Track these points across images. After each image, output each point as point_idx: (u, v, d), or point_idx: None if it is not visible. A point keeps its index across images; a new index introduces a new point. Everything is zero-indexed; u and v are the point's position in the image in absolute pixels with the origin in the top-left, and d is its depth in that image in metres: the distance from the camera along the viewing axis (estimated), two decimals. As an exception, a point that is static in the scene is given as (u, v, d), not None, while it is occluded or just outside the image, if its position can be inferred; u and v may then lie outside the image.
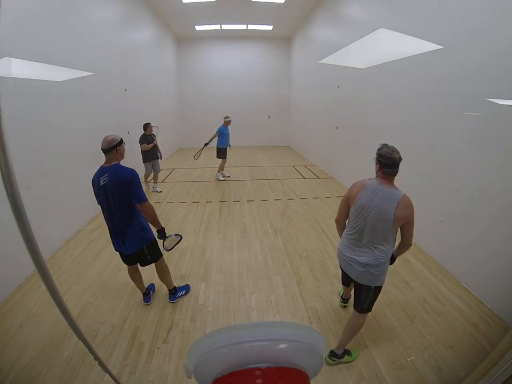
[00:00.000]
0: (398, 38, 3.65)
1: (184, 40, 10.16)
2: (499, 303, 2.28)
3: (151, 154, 5.32)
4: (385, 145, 1.68)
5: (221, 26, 9.21)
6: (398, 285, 2.67)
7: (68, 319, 0.81)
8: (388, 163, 1.63)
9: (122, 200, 1.97)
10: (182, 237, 2.30)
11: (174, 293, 2.48)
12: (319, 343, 0.32)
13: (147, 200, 2.02)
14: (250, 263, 3.09)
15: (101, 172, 1.99)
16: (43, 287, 0.84)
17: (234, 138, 10.64)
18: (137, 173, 2.01)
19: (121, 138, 2.06)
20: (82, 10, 4.03)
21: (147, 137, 5.20)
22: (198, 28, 9.14)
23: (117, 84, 5.26)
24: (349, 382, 1.78)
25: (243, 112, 10.75)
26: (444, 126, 2.94)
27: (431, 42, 2.99)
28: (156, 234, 2.21)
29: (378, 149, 1.69)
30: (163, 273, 2.38)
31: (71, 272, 2.92)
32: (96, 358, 0.98)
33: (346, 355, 1.90)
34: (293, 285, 2.71)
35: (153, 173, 5.48)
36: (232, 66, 10.64)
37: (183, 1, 6.90)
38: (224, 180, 6.32)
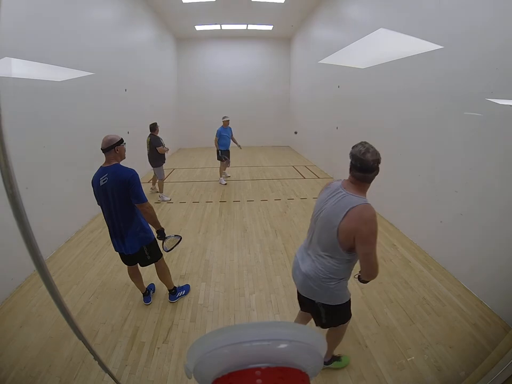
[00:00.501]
0: (398, 38, 3.65)
1: (184, 40, 10.16)
2: (499, 303, 2.28)
3: (163, 158, 4.96)
4: (361, 143, 1.40)
5: (221, 26, 9.21)
6: (398, 285, 2.67)
7: (68, 319, 0.81)
8: (356, 165, 1.35)
9: (122, 200, 1.96)
10: (181, 238, 2.28)
11: (174, 293, 2.48)
12: (318, 343, 0.32)
13: (147, 200, 2.01)
14: (250, 263, 3.08)
15: (101, 172, 1.98)
16: (43, 287, 0.84)
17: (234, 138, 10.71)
18: (137, 173, 2.00)
19: (121, 138, 2.05)
20: (82, 10, 4.04)
21: (160, 139, 4.86)
22: (198, 27, 9.14)
23: (117, 84, 5.27)
24: (349, 382, 1.78)
25: (243, 112, 10.75)
26: (444, 126, 2.94)
27: (431, 42, 2.99)
28: (155, 234, 2.21)
29: (353, 147, 1.41)
30: (163, 273, 2.38)
31: (71, 272, 2.92)
32: (96, 358, 0.98)
33: (335, 361, 1.82)
34: (293, 285, 2.67)
35: (158, 180, 5.04)
36: (232, 66, 10.64)
37: (183, 1, 6.90)
38: (226, 184, 6.02)
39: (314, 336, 0.32)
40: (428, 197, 3.18)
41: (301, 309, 1.84)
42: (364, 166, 1.32)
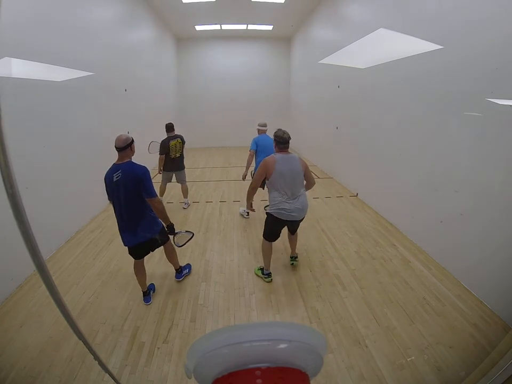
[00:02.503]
0: (398, 38, 3.66)
1: (184, 40, 10.15)
2: (499, 303, 2.28)
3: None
4: (279, 129, 2.49)
5: (221, 26, 9.20)
6: (398, 285, 2.67)
7: (68, 319, 0.81)
8: (281, 141, 2.44)
9: (134, 195, 2.11)
10: (193, 234, 2.44)
11: (180, 272, 2.72)
12: (319, 343, 0.32)
13: (157, 195, 2.16)
14: (250, 263, 3.08)
15: (114, 169, 2.12)
16: (43, 287, 0.84)
17: (234, 138, 10.74)
18: (148, 170, 2.16)
19: (132, 138, 2.23)
20: (82, 10, 4.03)
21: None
22: (198, 27, 9.13)
23: (117, 84, 5.26)
24: (349, 382, 1.78)
25: (243, 112, 10.76)
26: (444, 126, 2.94)
27: (431, 42, 2.99)
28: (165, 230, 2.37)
29: (275, 132, 2.49)
30: (171, 254, 2.58)
31: (71, 272, 2.92)
32: (96, 358, 0.98)
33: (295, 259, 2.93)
34: (293, 285, 2.71)
35: (166, 185, 4.67)
36: (232, 66, 10.64)
37: (183, 1, 6.90)
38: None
39: (314, 336, 0.32)
40: (427, 197, 3.18)
41: (276, 239, 2.69)
42: (286, 141, 2.45)
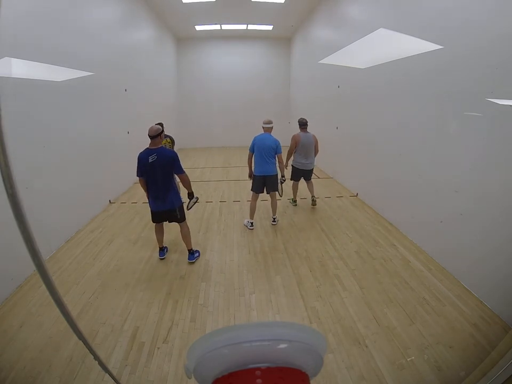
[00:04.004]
0: (398, 38, 3.66)
1: (184, 40, 10.15)
2: (499, 303, 2.28)
3: None
4: (302, 118, 4.32)
5: (221, 26, 9.21)
6: (398, 285, 2.67)
7: (68, 319, 0.81)
8: (301, 124, 4.30)
9: (167, 173, 2.80)
10: (198, 198, 3.31)
11: (192, 253, 3.10)
12: (319, 343, 0.32)
13: (185, 171, 2.87)
14: (250, 263, 3.09)
15: (149, 152, 2.74)
16: (43, 287, 0.84)
17: (234, 138, 10.74)
18: (177, 153, 2.87)
19: (162, 129, 2.83)
20: (82, 10, 4.03)
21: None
22: (198, 27, 9.13)
23: (117, 84, 5.26)
24: (349, 382, 1.78)
25: (243, 112, 10.76)
26: (444, 126, 2.94)
27: (431, 42, 2.99)
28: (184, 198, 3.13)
29: (299, 120, 4.32)
30: (186, 234, 3.06)
31: (71, 272, 2.92)
32: (96, 358, 0.98)
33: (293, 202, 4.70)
34: (293, 285, 2.71)
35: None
36: (232, 66, 10.63)
37: (183, 1, 6.90)
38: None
39: (314, 336, 0.32)
40: (428, 197, 3.18)
41: (298, 180, 4.64)
42: (304, 123, 4.29)
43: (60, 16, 3.47)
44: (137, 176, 2.83)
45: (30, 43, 2.94)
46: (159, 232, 3.09)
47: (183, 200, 3.09)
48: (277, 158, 3.70)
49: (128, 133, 5.53)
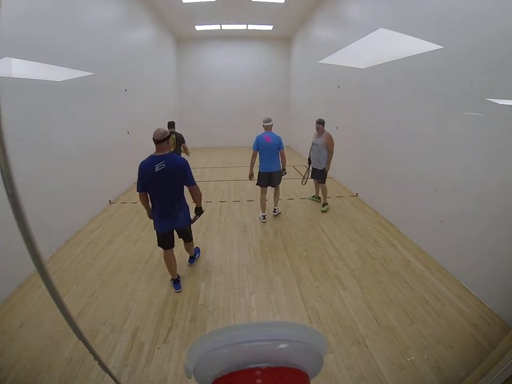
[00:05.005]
0: (398, 38, 3.65)
1: (184, 40, 10.15)
2: (499, 303, 2.28)
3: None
4: (319, 119, 4.35)
5: (221, 26, 9.21)
6: (398, 285, 2.67)
7: (68, 319, 0.81)
8: (319, 123, 4.33)
9: (177, 183, 2.37)
10: (203, 211, 2.78)
11: (193, 257, 3.01)
12: (319, 343, 0.32)
13: (196, 183, 2.46)
14: (250, 263, 3.09)
15: (156, 159, 2.28)
16: (43, 287, 0.84)
17: (234, 138, 10.75)
18: (188, 161, 2.45)
19: (170, 132, 2.50)
20: (83, 10, 4.04)
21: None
22: (198, 27, 9.13)
23: (117, 84, 5.26)
24: (349, 382, 1.78)
25: (243, 112, 10.76)
26: (444, 126, 2.94)
27: (431, 42, 2.99)
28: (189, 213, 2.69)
29: (317, 120, 4.35)
30: (190, 246, 2.87)
31: (71, 272, 2.92)
32: (96, 358, 0.98)
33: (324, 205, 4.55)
34: (293, 285, 2.71)
35: None
36: (232, 66, 10.64)
37: (183, 1, 6.90)
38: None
39: (314, 336, 0.32)
40: (427, 197, 3.18)
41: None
42: (317, 122, 4.35)
43: (60, 16, 3.47)
44: (138, 191, 2.39)
45: (30, 43, 2.94)
46: (170, 261, 2.56)
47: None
48: (280, 154, 3.90)
49: (128, 133, 5.53)
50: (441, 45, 2.89)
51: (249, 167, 3.95)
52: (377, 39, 4.18)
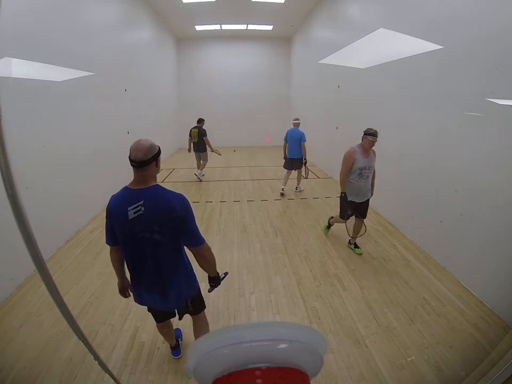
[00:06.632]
0: (398, 38, 3.65)
1: (184, 40, 10.15)
2: (499, 303, 2.28)
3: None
4: (371, 128, 2.83)
5: (221, 26, 9.21)
6: (398, 285, 2.67)
7: (68, 319, 0.81)
8: (371, 133, 2.80)
9: (166, 240, 1.34)
10: (227, 273, 1.75)
11: (177, 346, 2.00)
12: (319, 343, 0.32)
13: (204, 240, 1.39)
14: (250, 263, 3.08)
15: (131, 197, 1.31)
16: (43, 287, 0.84)
17: (234, 138, 10.74)
18: (188, 200, 1.37)
19: (159, 147, 1.40)
20: (83, 10, 4.03)
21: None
22: (198, 27, 9.13)
23: (117, 84, 5.26)
24: (349, 382, 1.78)
25: (243, 112, 10.76)
26: (444, 126, 2.94)
27: (431, 42, 2.99)
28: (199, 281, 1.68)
29: (367, 130, 2.83)
30: (202, 328, 1.76)
31: (71, 272, 2.92)
32: (96, 358, 0.98)
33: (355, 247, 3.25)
34: (293, 285, 2.71)
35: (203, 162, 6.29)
36: (232, 66, 10.64)
37: (183, 1, 6.90)
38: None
39: (314, 336, 0.32)
40: (428, 197, 3.18)
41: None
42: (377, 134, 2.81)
43: (60, 16, 3.47)
44: (107, 243, 1.47)
45: (30, 43, 2.93)
46: (166, 333, 1.82)
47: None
48: (301, 145, 4.96)
49: (128, 133, 5.52)
50: (441, 45, 2.89)
51: (283, 152, 5.22)
52: (377, 39, 4.18)
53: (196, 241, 1.37)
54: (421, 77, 3.26)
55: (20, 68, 2.84)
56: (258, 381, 0.28)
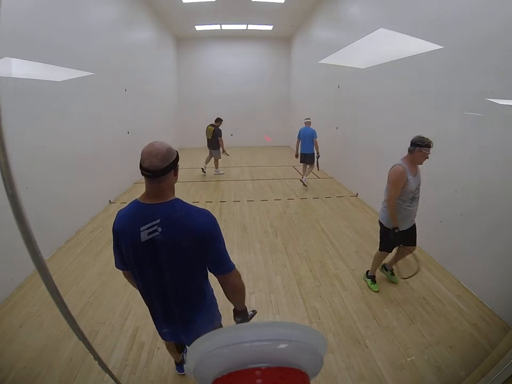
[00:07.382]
0: (398, 38, 3.65)
1: (184, 40, 10.15)
2: (499, 303, 2.28)
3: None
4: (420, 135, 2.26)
5: (221, 26, 9.21)
6: (398, 285, 2.67)
7: (68, 319, 0.81)
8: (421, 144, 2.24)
9: (189, 269, 1.15)
10: (255, 312, 1.53)
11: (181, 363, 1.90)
12: (319, 343, 0.32)
13: (234, 265, 1.18)
14: (250, 263, 3.08)
15: (144, 214, 1.06)
16: (43, 287, 0.84)
17: (234, 138, 10.74)
18: (215, 217, 1.13)
19: (177, 152, 1.15)
20: (82, 10, 4.04)
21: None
22: (198, 27, 9.13)
23: (117, 84, 5.26)
24: (349, 382, 1.78)
25: (243, 112, 10.76)
26: (444, 126, 2.94)
27: (431, 42, 2.99)
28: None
29: (417, 137, 2.26)
30: None
31: (71, 272, 2.92)
32: (96, 358, 0.98)
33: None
34: (293, 285, 2.71)
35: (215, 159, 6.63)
36: (232, 66, 10.64)
37: (183, 1, 6.90)
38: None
39: (314, 336, 0.32)
40: (427, 197, 3.17)
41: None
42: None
43: (60, 16, 3.47)
44: (117, 267, 1.24)
45: (30, 43, 2.93)
46: (174, 351, 1.65)
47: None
48: (314, 141, 5.57)
49: (128, 133, 5.52)
50: (441, 45, 2.89)
51: (295, 149, 5.87)
52: (377, 39, 4.18)
53: (225, 266, 1.14)
54: (421, 77, 3.26)
55: (20, 68, 2.84)
56: (258, 381, 0.28)
